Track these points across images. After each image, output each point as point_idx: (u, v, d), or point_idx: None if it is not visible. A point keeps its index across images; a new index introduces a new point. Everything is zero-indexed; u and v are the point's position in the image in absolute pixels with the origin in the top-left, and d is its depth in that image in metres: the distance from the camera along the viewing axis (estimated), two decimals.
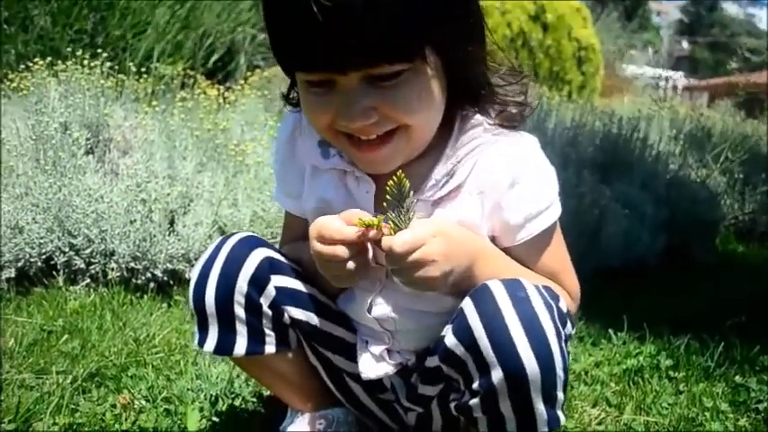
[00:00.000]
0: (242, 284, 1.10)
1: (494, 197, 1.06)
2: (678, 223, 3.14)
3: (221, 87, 3.71)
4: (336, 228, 0.98)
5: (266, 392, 1.54)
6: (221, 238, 1.16)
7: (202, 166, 2.59)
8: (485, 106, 1.08)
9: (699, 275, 2.97)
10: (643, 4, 33.14)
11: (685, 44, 37.00)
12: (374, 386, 1.20)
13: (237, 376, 1.59)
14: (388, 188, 0.94)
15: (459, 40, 0.99)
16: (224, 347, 1.14)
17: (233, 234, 1.16)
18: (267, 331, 1.15)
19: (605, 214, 2.76)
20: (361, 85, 0.94)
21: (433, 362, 1.10)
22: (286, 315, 1.14)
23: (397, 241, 0.93)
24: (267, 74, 3.99)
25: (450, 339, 1.00)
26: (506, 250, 1.10)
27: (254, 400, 1.53)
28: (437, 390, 1.14)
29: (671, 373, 1.80)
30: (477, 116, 1.08)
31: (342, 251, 0.98)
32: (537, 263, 1.12)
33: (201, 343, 1.14)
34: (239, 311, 1.11)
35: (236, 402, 1.51)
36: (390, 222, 0.95)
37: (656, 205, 3.05)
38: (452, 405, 1.06)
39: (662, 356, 1.88)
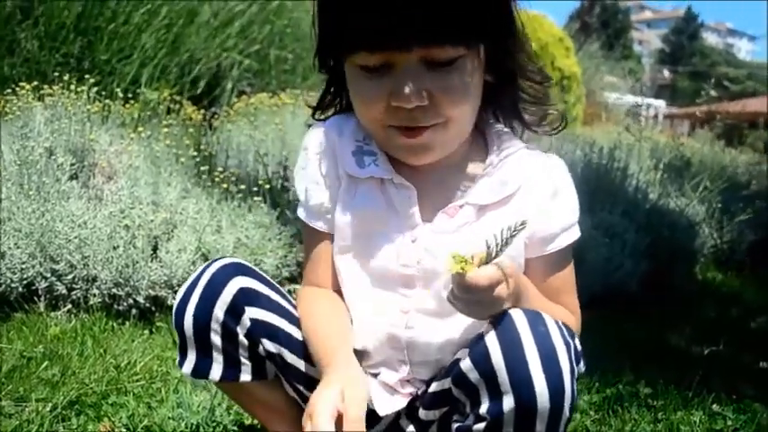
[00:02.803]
0: (218, 313, 1.11)
1: (536, 206, 1.10)
2: (658, 251, 3.18)
3: (207, 113, 3.73)
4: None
5: (247, 421, 1.54)
6: (208, 262, 1.16)
7: (187, 192, 2.59)
8: (510, 118, 1.14)
9: (678, 303, 3.00)
10: (625, 33, 33.69)
11: (666, 73, 37.60)
12: None
13: (219, 404, 1.59)
14: (504, 227, 0.94)
15: (503, 34, 1.05)
16: (200, 372, 1.15)
17: (218, 259, 1.16)
18: (243, 360, 1.15)
19: (587, 242, 2.79)
20: (419, 67, 0.99)
21: (441, 385, 1.10)
22: (261, 347, 1.14)
23: (483, 275, 0.94)
24: (253, 100, 4.02)
25: (465, 363, 1.00)
26: (530, 262, 1.13)
27: (236, 428, 1.53)
28: (439, 414, 1.13)
29: (650, 401, 1.82)
30: (510, 134, 1.14)
31: None
32: (554, 279, 1.15)
33: (181, 365, 1.16)
34: (215, 339, 1.12)
35: (218, 431, 1.51)
36: (483, 254, 0.95)
37: (637, 233, 3.09)
38: (454, 426, 1.07)
39: (641, 385, 1.90)
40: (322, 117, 1.20)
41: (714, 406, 1.79)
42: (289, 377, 1.17)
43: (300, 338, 1.15)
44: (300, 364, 1.15)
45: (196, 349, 1.13)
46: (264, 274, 1.19)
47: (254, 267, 1.18)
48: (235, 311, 1.11)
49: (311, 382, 1.15)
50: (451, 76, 1.00)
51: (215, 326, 1.11)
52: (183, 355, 1.15)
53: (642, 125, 4.56)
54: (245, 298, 1.12)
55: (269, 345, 1.13)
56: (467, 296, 0.97)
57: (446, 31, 0.97)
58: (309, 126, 1.21)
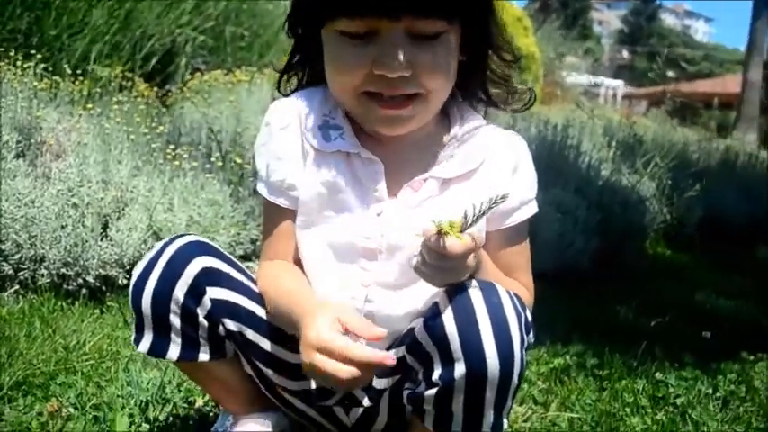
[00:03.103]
0: (178, 294, 1.10)
1: (499, 180, 1.12)
2: (610, 227, 3.25)
3: (160, 90, 3.66)
4: (343, 346, 0.94)
5: (198, 398, 1.54)
6: (168, 239, 1.14)
7: (138, 171, 2.55)
8: (475, 96, 1.16)
9: (629, 278, 3.08)
10: (585, 14, 33.98)
11: (625, 53, 38.08)
12: (312, 397, 1.20)
13: (169, 382, 1.58)
14: (485, 199, 0.94)
15: (482, 12, 1.07)
16: (157, 350, 1.14)
17: (179, 237, 1.14)
18: (202, 341, 1.14)
19: (539, 218, 2.83)
20: (404, 37, 0.99)
21: (396, 353, 1.10)
22: (221, 327, 1.14)
23: (460, 243, 0.94)
24: (207, 78, 3.96)
25: (419, 331, 1.02)
26: (489, 235, 1.14)
27: (186, 405, 1.53)
28: (392, 382, 1.15)
29: (596, 371, 1.87)
30: (470, 108, 1.16)
31: (346, 371, 0.93)
32: (509, 253, 1.17)
33: (137, 342, 1.15)
34: (174, 320, 1.11)
35: (167, 408, 1.50)
36: (459, 222, 0.95)
37: (589, 210, 3.15)
38: (405, 394, 1.09)
39: (588, 355, 1.95)
40: (287, 92, 1.19)
41: (657, 374, 1.86)
42: (249, 355, 1.17)
43: (262, 316, 1.15)
44: (261, 342, 1.15)
45: (153, 329, 1.13)
46: (224, 252, 1.18)
47: (214, 245, 1.17)
48: (195, 292, 1.10)
49: (271, 360, 1.16)
50: (435, 49, 1.02)
51: (174, 307, 1.10)
52: (140, 333, 1.14)
53: (600, 104, 4.61)
54: (207, 278, 1.11)
55: (230, 324, 1.13)
56: (439, 263, 0.97)
57: (435, 3, 0.99)
58: (274, 99, 1.20)
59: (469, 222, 0.96)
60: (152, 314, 1.11)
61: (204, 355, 1.15)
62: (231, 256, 1.19)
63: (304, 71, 1.17)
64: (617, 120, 4.64)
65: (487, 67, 1.14)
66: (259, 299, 1.15)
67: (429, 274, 1.00)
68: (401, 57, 0.99)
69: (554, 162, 3.34)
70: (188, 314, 1.11)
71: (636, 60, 36.10)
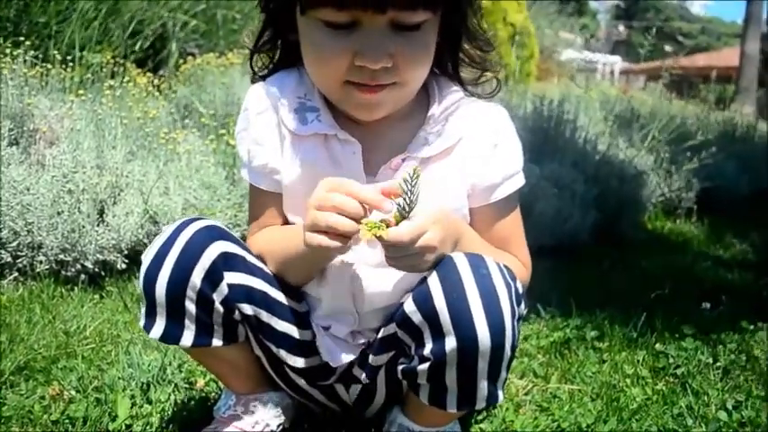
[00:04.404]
0: (195, 280, 1.08)
1: (478, 156, 1.12)
2: (608, 201, 3.24)
3: (152, 75, 3.64)
4: (355, 187, 0.97)
5: (199, 378, 1.54)
6: (179, 222, 1.13)
7: (132, 155, 2.54)
8: (458, 73, 1.15)
9: (627, 251, 3.08)
10: None
11: (622, 28, 37.85)
12: (316, 375, 1.21)
13: (170, 363, 1.58)
14: (402, 181, 0.95)
15: (464, 5, 1.08)
16: (171, 337, 1.13)
17: (192, 221, 1.13)
18: (216, 326, 1.14)
19: (536, 193, 2.83)
20: (387, 29, 0.99)
21: (388, 330, 1.12)
22: (237, 311, 1.13)
23: (403, 231, 0.95)
24: (199, 61, 3.93)
25: (409, 306, 1.03)
26: (475, 211, 1.15)
27: (187, 386, 1.53)
28: (387, 357, 1.16)
29: (596, 343, 1.87)
30: (450, 82, 1.15)
31: (353, 205, 0.96)
32: (500, 227, 1.18)
33: (148, 329, 1.13)
34: (190, 306, 1.10)
35: (168, 389, 1.50)
36: (396, 213, 0.96)
37: (586, 184, 3.14)
38: (399, 368, 1.09)
39: (588, 328, 1.95)
40: (262, 74, 1.19)
41: (657, 345, 1.86)
42: (261, 336, 1.17)
43: (275, 297, 1.15)
44: (275, 322, 1.15)
45: (167, 315, 1.11)
46: (234, 234, 1.17)
47: (225, 228, 1.16)
48: (213, 278, 1.09)
49: (283, 339, 1.16)
50: (416, 40, 1.01)
51: (190, 293, 1.09)
52: (151, 319, 1.12)
53: (597, 80, 4.59)
54: (225, 263, 1.10)
55: (246, 308, 1.12)
56: (397, 254, 0.98)
57: None
58: (254, 82, 1.19)
59: (406, 207, 0.96)
60: (166, 300, 1.10)
61: (218, 341, 1.15)
62: (240, 239, 1.18)
63: (275, 47, 1.16)
64: (614, 94, 4.62)
65: (461, 50, 1.13)
66: (272, 279, 1.15)
67: (399, 266, 1.01)
68: (385, 49, 0.99)
69: (550, 137, 3.33)
70: (204, 300, 1.10)
71: (633, 36, 35.90)
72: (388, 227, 0.95)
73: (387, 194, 0.97)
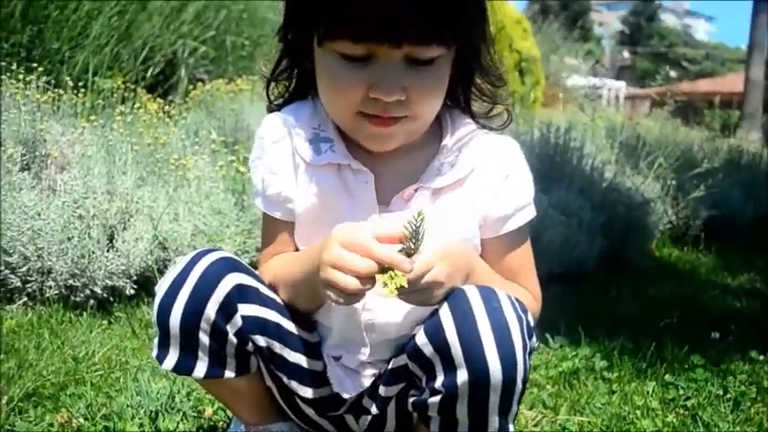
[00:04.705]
0: (210, 312, 1.08)
1: (489, 188, 1.13)
2: (615, 228, 3.24)
3: (162, 101, 3.67)
4: (366, 243, 0.96)
5: (207, 407, 1.54)
6: (194, 253, 1.13)
7: (143, 181, 2.56)
8: (469, 106, 1.16)
9: (635, 278, 3.07)
10: (585, 15, 33.99)
11: (626, 54, 38.07)
12: (326, 406, 1.21)
13: (178, 391, 1.58)
14: (407, 223, 0.95)
15: (477, 36, 1.09)
16: (184, 368, 1.13)
17: (206, 252, 1.13)
18: (229, 358, 1.14)
19: (544, 221, 2.83)
20: (401, 63, 1.00)
21: (398, 361, 1.12)
22: (250, 343, 1.13)
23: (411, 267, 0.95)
24: (209, 87, 3.97)
25: (420, 338, 1.02)
26: (486, 243, 1.15)
27: (195, 414, 1.53)
28: (398, 389, 1.15)
29: (605, 373, 1.87)
30: (462, 114, 1.16)
31: (369, 268, 0.95)
32: (510, 259, 1.17)
33: (161, 359, 1.13)
34: (203, 338, 1.10)
35: (177, 418, 1.50)
36: (403, 251, 0.96)
37: (593, 211, 3.15)
38: (410, 401, 1.08)
39: (597, 358, 1.94)
40: (277, 103, 1.20)
41: (667, 376, 1.85)
42: (273, 367, 1.17)
43: (288, 328, 1.15)
44: (287, 354, 1.15)
45: (180, 346, 1.11)
46: (248, 265, 1.17)
47: (239, 260, 1.16)
48: (227, 310, 1.09)
49: (295, 370, 1.16)
50: (430, 74, 1.03)
51: (204, 325, 1.09)
52: (164, 350, 1.12)
53: (603, 106, 4.60)
54: (239, 295, 1.10)
55: (259, 339, 1.12)
56: (404, 291, 0.98)
57: (436, 30, 0.99)
58: (270, 111, 1.21)
59: (411, 250, 0.96)
60: (180, 332, 1.09)
61: (230, 373, 1.15)
62: (253, 269, 1.18)
63: (291, 76, 1.18)
64: (620, 121, 4.63)
65: (473, 83, 1.15)
66: (284, 310, 1.15)
67: (407, 300, 1.01)
68: (399, 82, 1.00)
69: (557, 164, 3.34)
70: (218, 332, 1.10)
71: (637, 61, 36.10)
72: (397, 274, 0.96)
73: (392, 240, 0.97)
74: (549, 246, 2.78)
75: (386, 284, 0.95)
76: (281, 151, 1.15)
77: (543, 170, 3.17)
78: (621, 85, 19.11)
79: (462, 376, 0.98)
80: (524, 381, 1.02)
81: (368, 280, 0.96)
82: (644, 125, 5.02)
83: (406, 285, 0.95)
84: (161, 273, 2.31)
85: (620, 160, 3.79)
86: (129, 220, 2.34)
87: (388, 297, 0.96)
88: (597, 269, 3.07)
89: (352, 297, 0.98)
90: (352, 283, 0.96)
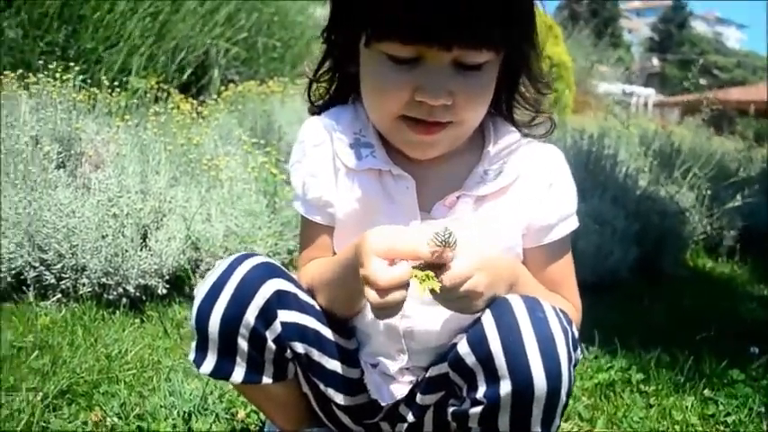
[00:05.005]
0: (249, 318, 1.07)
1: (533, 196, 1.11)
2: (648, 238, 3.19)
3: (195, 101, 3.70)
4: (410, 246, 0.95)
5: (240, 409, 1.53)
6: (233, 258, 1.12)
7: (175, 181, 2.57)
8: (512, 114, 1.14)
9: (669, 289, 3.02)
10: (614, 22, 33.73)
11: (656, 61, 37.69)
12: (362, 413, 1.20)
13: (211, 393, 1.58)
14: (434, 236, 0.93)
15: (527, 42, 1.07)
16: (221, 373, 1.12)
17: (246, 257, 1.12)
18: (267, 364, 1.13)
19: (577, 229, 2.79)
20: (449, 66, 0.99)
21: (438, 369, 1.10)
22: (289, 350, 1.12)
23: (445, 278, 0.94)
24: (241, 88, 3.99)
25: (463, 347, 1.00)
26: (528, 252, 1.14)
27: (228, 417, 1.52)
28: (436, 398, 1.13)
29: (642, 386, 1.83)
30: (506, 122, 1.14)
31: (405, 271, 0.94)
32: (552, 269, 1.15)
33: (198, 364, 1.12)
34: (242, 344, 1.09)
35: (210, 419, 1.50)
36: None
37: (627, 220, 3.10)
38: (450, 410, 1.06)
39: (633, 370, 1.90)
40: (318, 105, 1.19)
41: (706, 391, 1.81)
42: (311, 374, 1.16)
43: (326, 335, 1.14)
44: (326, 361, 1.14)
45: (219, 351, 1.10)
46: (287, 271, 1.16)
47: (279, 265, 1.14)
48: (266, 316, 1.08)
49: (333, 377, 1.15)
50: (477, 80, 1.01)
51: (243, 331, 1.08)
52: (202, 354, 1.11)
53: (632, 113, 4.54)
54: (278, 301, 1.09)
55: (298, 346, 1.11)
56: (441, 296, 0.97)
57: (487, 34, 0.97)
58: (312, 114, 1.20)
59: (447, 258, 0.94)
60: (219, 337, 1.08)
61: (267, 379, 1.14)
62: (291, 274, 1.17)
63: (333, 78, 1.16)
64: (653, 129, 4.57)
65: (517, 90, 1.13)
66: (322, 316, 1.14)
67: (447, 307, 1.00)
68: (446, 86, 0.99)
69: (590, 172, 3.29)
70: (257, 338, 1.09)
71: (666, 68, 35.71)
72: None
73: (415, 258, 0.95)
74: (582, 254, 2.74)
75: (422, 281, 0.93)
76: (322, 155, 1.14)
77: (577, 178, 3.06)
78: (651, 92, 18.90)
79: (506, 387, 0.96)
80: (568, 393, 1.00)
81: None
82: (677, 133, 4.94)
83: (438, 290, 0.93)
84: (193, 273, 2.32)
85: (654, 169, 3.73)
86: (162, 219, 2.35)
87: (420, 297, 0.95)
88: (630, 278, 3.02)
89: (390, 310, 0.96)
90: (396, 298, 0.94)
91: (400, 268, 0.94)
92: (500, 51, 1.02)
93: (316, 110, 1.20)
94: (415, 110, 1.01)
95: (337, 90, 1.18)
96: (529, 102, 1.14)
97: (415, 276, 0.94)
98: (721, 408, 1.71)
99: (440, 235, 0.93)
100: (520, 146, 1.13)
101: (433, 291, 0.94)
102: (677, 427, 1.60)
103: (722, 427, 1.64)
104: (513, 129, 1.14)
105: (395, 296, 0.94)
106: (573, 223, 1.16)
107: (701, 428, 1.61)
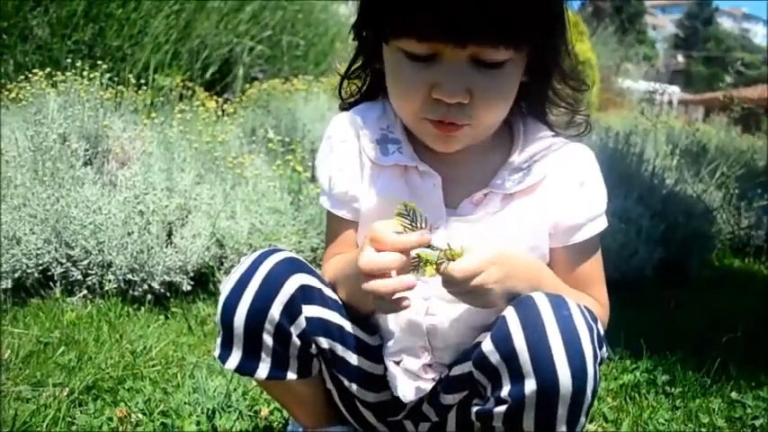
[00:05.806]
0: (274, 313, 1.07)
1: (563, 195, 1.10)
2: (674, 237, 3.15)
3: (219, 99, 3.72)
4: (391, 237, 0.96)
5: (264, 407, 1.54)
6: (259, 253, 1.12)
7: (201, 178, 2.59)
8: (542, 112, 1.12)
9: (695, 289, 2.97)
10: (639, 18, 33.33)
11: (680, 58, 37.21)
12: (386, 411, 1.20)
13: (235, 390, 1.59)
14: (397, 215, 0.94)
15: (557, 38, 1.05)
16: (246, 369, 1.12)
17: (271, 252, 1.12)
18: (291, 360, 1.13)
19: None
20: (467, 64, 0.97)
21: (462, 368, 1.10)
22: (313, 345, 1.12)
23: (455, 268, 0.94)
24: (265, 86, 4.01)
25: (487, 345, 0.99)
26: (555, 252, 1.12)
27: (251, 414, 1.53)
28: (460, 397, 1.13)
29: (667, 388, 1.80)
30: (537, 122, 1.13)
31: (391, 259, 0.95)
32: (580, 270, 1.14)
33: (224, 359, 1.12)
34: (267, 339, 1.09)
35: (233, 416, 1.51)
36: (447, 251, 0.95)
37: (653, 219, 3.06)
38: (474, 410, 1.06)
39: (658, 372, 1.88)
40: (349, 101, 1.19)
41: (733, 394, 1.77)
42: (335, 370, 1.16)
43: (350, 330, 1.14)
44: (349, 356, 1.14)
45: (244, 347, 1.10)
46: (311, 266, 1.16)
47: (303, 260, 1.15)
48: (291, 311, 1.08)
49: (357, 373, 1.15)
50: (497, 79, 0.99)
51: (269, 326, 1.08)
52: (227, 350, 1.11)
53: (657, 110, 4.48)
54: (303, 296, 1.09)
55: (322, 341, 1.11)
56: (453, 289, 0.97)
57: (504, 31, 0.95)
58: (343, 109, 1.20)
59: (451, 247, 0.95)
60: (244, 332, 1.08)
61: (292, 375, 1.14)
62: (316, 270, 1.17)
63: (365, 75, 1.16)
64: (679, 127, 4.51)
65: (550, 88, 1.10)
66: (346, 313, 1.14)
67: (462, 299, 1.00)
68: (463, 84, 0.97)
69: (616, 170, 3.26)
70: (282, 333, 1.09)
71: (692, 65, 35.25)
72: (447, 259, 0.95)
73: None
74: (606, 253, 2.65)
75: (425, 264, 0.94)
76: (349, 150, 1.14)
77: (602, 175, 3.09)
78: (675, 89, 18.66)
79: (530, 386, 0.95)
80: (594, 392, 0.98)
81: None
82: (704, 131, 4.88)
83: (437, 274, 0.94)
84: (218, 270, 2.33)
85: (681, 167, 3.68)
86: (187, 216, 2.37)
87: (425, 277, 0.96)
88: (655, 278, 2.98)
89: (394, 304, 0.97)
90: (396, 284, 0.95)
91: (384, 256, 0.95)
92: (522, 49, 1.00)
93: (346, 106, 1.20)
94: (431, 110, 1.01)
95: (367, 88, 1.18)
96: (565, 100, 1.12)
97: (420, 256, 0.95)
98: (749, 411, 1.69)
99: (403, 212, 0.94)
100: (549, 143, 1.12)
101: (445, 283, 0.96)
102: (704, 430, 1.58)
103: (749, 431, 1.61)
104: (545, 128, 1.13)
105: (377, 284, 0.95)
106: (602, 224, 1.14)
107: (728, 431, 1.59)
